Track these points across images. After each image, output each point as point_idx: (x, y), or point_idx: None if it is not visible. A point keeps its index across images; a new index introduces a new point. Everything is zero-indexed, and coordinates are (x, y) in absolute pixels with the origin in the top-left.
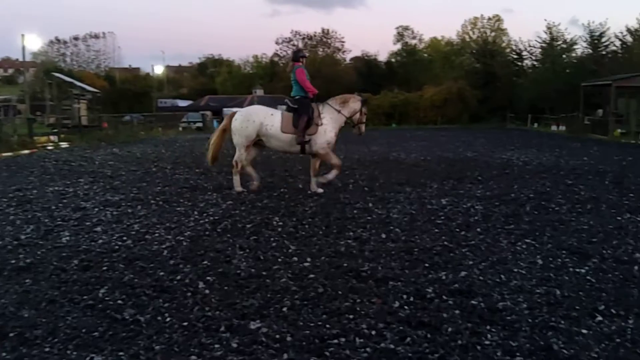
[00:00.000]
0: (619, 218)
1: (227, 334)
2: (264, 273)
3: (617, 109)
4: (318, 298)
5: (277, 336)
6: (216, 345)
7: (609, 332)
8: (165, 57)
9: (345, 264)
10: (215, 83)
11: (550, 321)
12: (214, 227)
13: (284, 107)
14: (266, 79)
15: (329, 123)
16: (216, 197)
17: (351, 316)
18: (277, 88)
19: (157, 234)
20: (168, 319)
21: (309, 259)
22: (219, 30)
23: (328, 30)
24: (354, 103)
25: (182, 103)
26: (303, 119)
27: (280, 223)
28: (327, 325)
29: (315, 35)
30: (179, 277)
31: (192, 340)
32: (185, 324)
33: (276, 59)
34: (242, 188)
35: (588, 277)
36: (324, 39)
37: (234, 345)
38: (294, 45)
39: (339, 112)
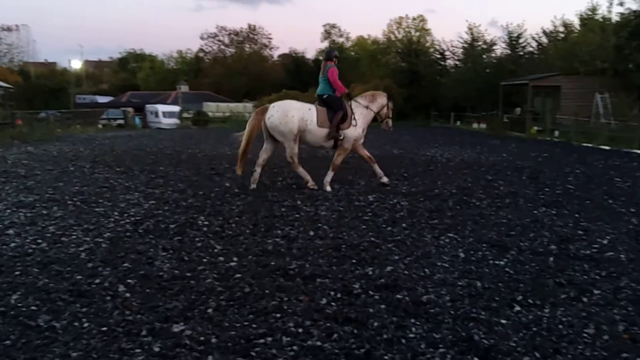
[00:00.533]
0: (535, 212)
1: (148, 338)
2: (188, 274)
3: (533, 107)
4: (244, 298)
5: (202, 338)
6: (137, 350)
7: (526, 321)
8: (84, 52)
9: (272, 263)
10: (137, 79)
11: (472, 312)
12: (136, 227)
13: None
14: (191, 75)
15: (359, 119)
16: (138, 197)
17: (278, 315)
18: (202, 84)
19: (74, 236)
20: (86, 325)
21: (235, 259)
22: (141, 24)
23: (255, 26)
24: (381, 98)
25: (102, 99)
26: (338, 114)
27: (206, 222)
28: (254, 325)
29: (241, 31)
30: (97, 281)
31: (111, 345)
32: (104, 329)
33: (201, 54)
34: (313, 182)
35: (507, 269)
36: (251, 35)
37: (156, 349)
38: (219, 40)
39: (367, 108)
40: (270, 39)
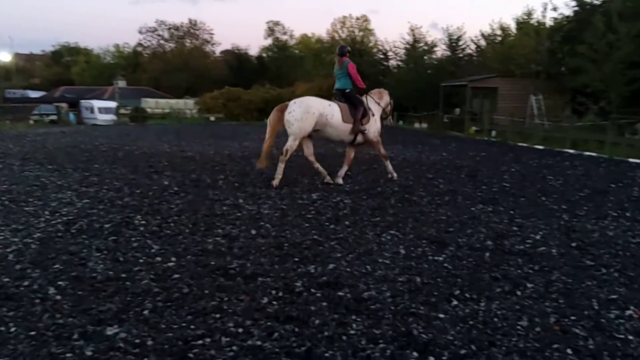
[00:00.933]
0: (472, 209)
1: (80, 342)
2: (123, 275)
3: (472, 108)
4: (182, 299)
5: (137, 341)
6: (68, 355)
7: (463, 315)
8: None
9: (212, 262)
10: (71, 73)
11: (411, 307)
12: (68, 227)
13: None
14: (129, 70)
15: (376, 113)
16: (71, 196)
17: (217, 315)
18: (141, 79)
19: (1, 237)
20: (13, 329)
21: (173, 259)
22: (76, 16)
23: (196, 21)
24: (387, 96)
25: (34, 94)
26: (359, 110)
27: (143, 222)
28: (192, 326)
29: (182, 26)
30: (26, 283)
31: (40, 350)
32: (33, 333)
33: (140, 48)
34: (277, 181)
35: (445, 265)
36: (192, 30)
37: (88, 353)
38: (159, 35)
39: (378, 104)
40: (212, 34)
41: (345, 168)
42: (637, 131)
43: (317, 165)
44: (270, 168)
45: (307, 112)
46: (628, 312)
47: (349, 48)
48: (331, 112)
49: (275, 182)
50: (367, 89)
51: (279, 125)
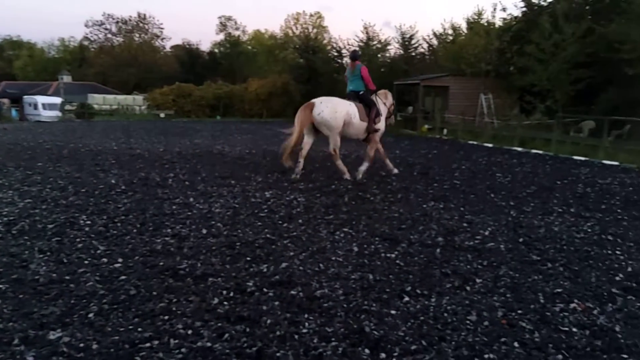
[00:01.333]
0: (424, 206)
1: (21, 347)
2: (67, 277)
3: (424, 106)
4: (129, 301)
5: (81, 345)
6: None
7: (414, 311)
8: None
9: (161, 263)
10: (14, 68)
11: (364, 305)
12: (8, 228)
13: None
14: (75, 65)
15: (383, 113)
16: (12, 195)
17: (166, 317)
18: (87, 75)
19: None
20: None
21: (120, 260)
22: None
23: (145, 15)
24: (390, 97)
25: None
26: (373, 109)
27: (88, 222)
28: (139, 329)
29: (130, 20)
30: None
31: None
32: None
33: (86, 43)
34: (348, 175)
35: (397, 261)
36: (141, 24)
37: (30, 358)
38: (106, 29)
39: (384, 104)
40: (162, 29)
41: (367, 165)
42: (582, 129)
43: (301, 162)
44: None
45: (335, 111)
46: (572, 305)
47: (360, 52)
48: (354, 111)
49: (347, 176)
50: (322, 88)
51: (307, 123)
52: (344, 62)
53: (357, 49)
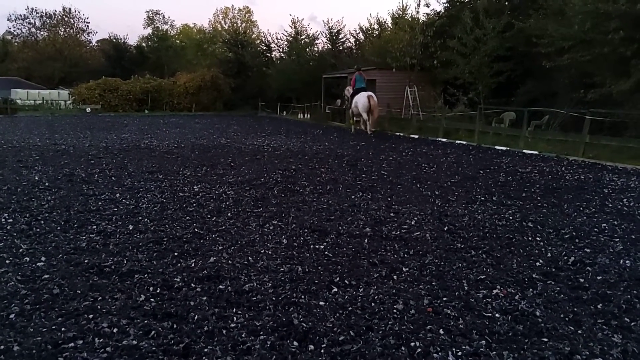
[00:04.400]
0: (353, 197)
1: None
2: None
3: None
4: (53, 300)
5: (2, 347)
6: None
7: (342, 301)
8: None
9: (86, 261)
10: None
11: (292, 297)
12: None
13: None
14: None
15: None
16: None
17: (91, 316)
18: (10, 70)
19: None
20: None
21: (43, 258)
22: None
23: (70, 9)
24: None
25: None
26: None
27: (10, 220)
28: (63, 329)
29: (55, 14)
30: None
31: None
32: None
33: (9, 37)
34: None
35: (326, 252)
36: (66, 19)
37: None
38: (29, 23)
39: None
40: (88, 23)
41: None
42: (503, 120)
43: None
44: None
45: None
46: (495, 291)
47: (359, 65)
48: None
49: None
50: (251, 81)
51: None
52: (272, 56)
53: (359, 64)
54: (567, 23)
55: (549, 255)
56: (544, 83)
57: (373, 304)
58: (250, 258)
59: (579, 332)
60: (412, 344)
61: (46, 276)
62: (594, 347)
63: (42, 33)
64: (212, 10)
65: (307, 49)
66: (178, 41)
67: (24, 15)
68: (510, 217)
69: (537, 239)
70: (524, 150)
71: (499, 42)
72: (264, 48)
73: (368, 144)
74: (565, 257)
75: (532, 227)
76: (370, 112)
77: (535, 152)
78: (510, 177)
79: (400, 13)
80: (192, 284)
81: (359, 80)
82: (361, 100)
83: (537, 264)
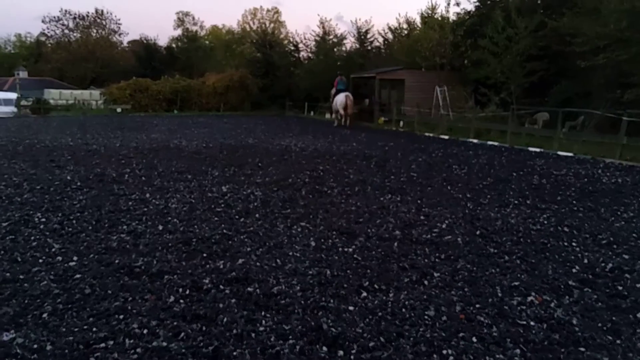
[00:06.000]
0: (382, 199)
1: None
2: (21, 277)
3: (380, 99)
4: (84, 300)
5: (35, 346)
6: None
7: (372, 306)
8: None
9: (116, 261)
10: None
11: (321, 301)
12: None
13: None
14: (31, 60)
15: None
16: None
17: (121, 316)
18: (44, 70)
19: None
20: None
21: (75, 258)
22: None
23: (103, 10)
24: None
25: None
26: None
27: (43, 219)
28: (94, 329)
29: (88, 16)
30: None
31: None
32: None
33: (43, 38)
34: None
35: (355, 256)
36: (98, 20)
37: None
38: (63, 24)
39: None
40: (120, 24)
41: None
42: (536, 121)
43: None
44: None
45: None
46: (529, 299)
47: (340, 72)
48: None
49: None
50: (279, 81)
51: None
52: (300, 56)
53: (342, 74)
54: (602, 22)
55: (586, 261)
56: (579, 83)
57: (404, 310)
58: (278, 260)
59: (618, 342)
60: (444, 351)
61: (78, 276)
62: (633, 357)
63: (75, 34)
64: (241, 11)
65: (335, 49)
66: (207, 42)
67: (58, 17)
68: (545, 222)
69: (573, 244)
70: (558, 152)
71: (531, 41)
72: (292, 48)
73: (397, 145)
74: (603, 264)
75: (567, 232)
76: (345, 108)
77: (570, 154)
78: (544, 179)
79: (430, 12)
80: (220, 286)
81: (340, 83)
82: (339, 98)
83: (574, 270)
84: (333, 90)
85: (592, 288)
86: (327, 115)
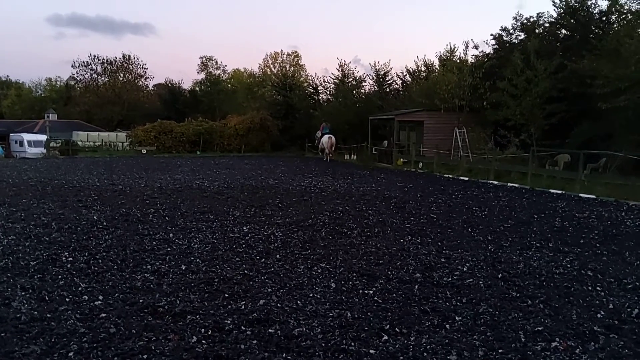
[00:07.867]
0: (402, 240)
1: None
2: (48, 315)
3: (399, 140)
4: (109, 339)
5: None
6: None
7: (393, 350)
8: None
9: (141, 300)
10: (1, 106)
11: (342, 344)
12: None
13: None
14: (60, 103)
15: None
16: None
17: (145, 356)
18: (72, 113)
19: None
20: None
21: (101, 297)
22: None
23: (130, 56)
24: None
25: None
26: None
27: (70, 259)
28: None
29: (116, 61)
30: None
31: None
32: None
33: (72, 82)
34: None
35: (375, 298)
36: (125, 65)
37: None
38: (92, 69)
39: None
40: (146, 69)
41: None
42: (557, 163)
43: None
44: None
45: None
46: (554, 344)
47: (323, 119)
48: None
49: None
50: (299, 123)
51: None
52: (320, 98)
53: (327, 122)
54: (623, 63)
55: (611, 306)
56: (600, 124)
57: (425, 354)
58: (299, 302)
59: None
60: None
61: (103, 315)
62: None
63: (102, 78)
64: (262, 55)
65: (354, 91)
66: (229, 85)
67: (87, 62)
68: (568, 265)
69: (598, 288)
70: (580, 194)
71: (551, 83)
72: (312, 91)
73: (416, 186)
74: (629, 309)
75: (591, 276)
76: (330, 146)
77: (593, 196)
78: (566, 222)
79: (449, 55)
80: (242, 327)
81: (325, 128)
82: (325, 139)
83: (599, 315)
84: (318, 133)
85: (618, 334)
86: (346, 157)
